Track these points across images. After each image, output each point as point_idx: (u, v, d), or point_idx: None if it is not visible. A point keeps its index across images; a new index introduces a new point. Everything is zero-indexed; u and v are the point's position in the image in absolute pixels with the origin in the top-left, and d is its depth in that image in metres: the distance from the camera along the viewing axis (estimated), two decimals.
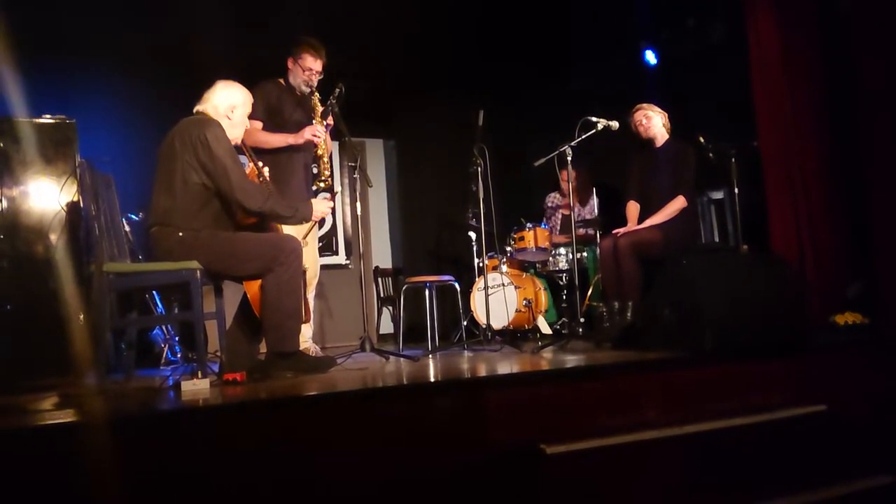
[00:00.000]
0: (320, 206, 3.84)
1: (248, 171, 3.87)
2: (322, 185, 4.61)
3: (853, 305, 4.40)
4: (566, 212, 6.50)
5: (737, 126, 5.17)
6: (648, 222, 4.75)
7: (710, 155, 4.76)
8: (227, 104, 3.68)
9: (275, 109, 4.55)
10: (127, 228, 4.77)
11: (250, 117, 4.37)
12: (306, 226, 4.42)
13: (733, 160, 4.68)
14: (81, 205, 4.20)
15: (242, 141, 3.85)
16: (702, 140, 4.76)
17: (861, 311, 4.31)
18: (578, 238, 6.04)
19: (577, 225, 6.05)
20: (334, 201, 3.97)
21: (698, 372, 3.23)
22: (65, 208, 4.23)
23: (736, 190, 4.71)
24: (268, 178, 3.85)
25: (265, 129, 4.50)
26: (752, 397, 3.23)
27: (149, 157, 3.69)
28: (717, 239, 5.47)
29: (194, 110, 3.68)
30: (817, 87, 4.80)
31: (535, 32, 6.57)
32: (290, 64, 4.61)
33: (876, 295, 4.37)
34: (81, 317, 4.07)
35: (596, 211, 6.13)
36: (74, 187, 4.26)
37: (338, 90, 4.40)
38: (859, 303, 4.43)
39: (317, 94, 4.52)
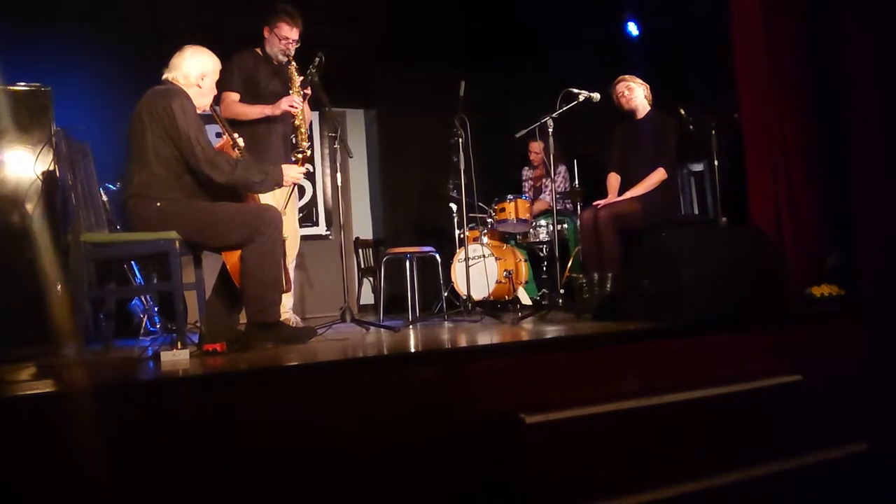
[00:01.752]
0: (291, 170, 3.78)
1: (222, 141, 3.83)
2: (300, 155, 4.57)
3: (830, 277, 4.44)
4: (536, 184, 6.54)
5: (719, 98, 5.16)
6: (629, 194, 4.77)
7: (691, 127, 4.77)
8: (198, 72, 3.63)
9: (251, 80, 4.50)
10: (104, 198, 4.72)
11: (227, 89, 4.32)
12: (284, 194, 4.39)
13: (714, 132, 4.69)
14: (58, 174, 4.14)
15: (214, 109, 3.80)
16: (682, 112, 4.77)
17: (838, 282, 4.36)
18: (565, 212, 6.08)
19: (550, 197, 6.08)
20: (304, 166, 3.89)
21: (677, 342, 3.25)
22: (41, 177, 4.17)
23: (716, 162, 4.73)
24: (242, 146, 3.81)
25: (242, 100, 4.45)
26: (730, 367, 3.27)
27: (126, 126, 3.63)
28: (696, 211, 5.50)
29: (163, 78, 3.63)
30: (800, 58, 4.79)
31: (518, 2, 6.52)
32: (266, 33, 4.55)
33: (853, 267, 4.41)
34: (59, 287, 4.04)
35: (567, 183, 6.15)
36: (50, 156, 4.20)
37: (317, 59, 4.35)
38: (836, 274, 4.47)
39: (294, 63, 4.46)
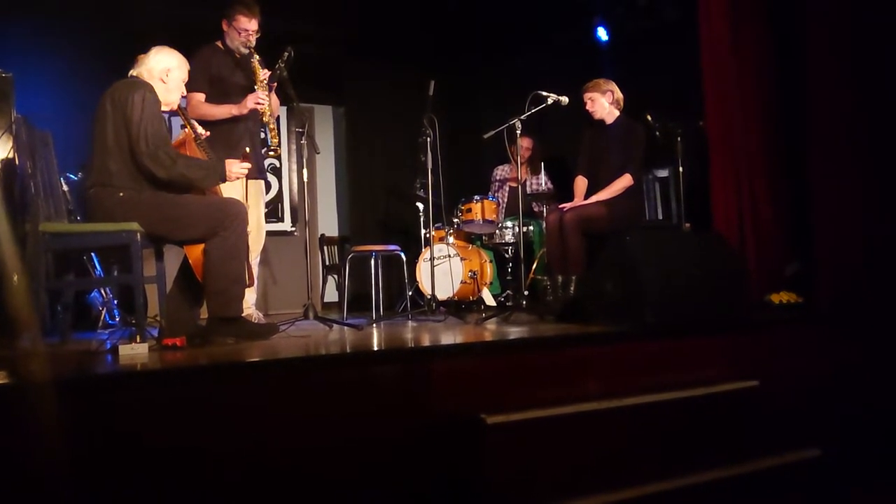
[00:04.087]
0: (234, 166, 3.68)
1: (183, 134, 3.78)
2: (272, 153, 4.53)
3: (789, 285, 4.51)
4: (514, 184, 6.50)
5: (686, 105, 5.22)
6: (594, 198, 4.80)
7: (657, 133, 4.82)
8: (162, 67, 3.60)
9: (215, 76, 4.44)
10: (65, 188, 4.64)
11: (192, 90, 4.24)
12: (242, 186, 4.34)
13: (679, 139, 4.74)
14: (17, 162, 4.07)
15: (179, 106, 3.75)
16: (649, 118, 4.82)
17: (796, 290, 4.43)
18: (535, 215, 6.07)
19: (529, 196, 6.08)
20: (247, 163, 3.81)
21: (638, 346, 3.28)
22: None
23: (681, 168, 4.78)
24: (204, 139, 3.77)
25: (209, 97, 4.39)
26: (689, 372, 3.30)
27: (89, 116, 3.58)
28: (660, 216, 5.55)
29: (129, 74, 3.58)
30: (764, 68, 4.86)
31: (489, 4, 6.54)
32: (224, 26, 4.47)
33: (812, 275, 4.48)
34: (16, 277, 3.96)
35: (544, 183, 6.15)
36: (10, 144, 4.13)
37: (286, 54, 4.30)
38: (796, 282, 4.54)
39: (256, 55, 4.39)
